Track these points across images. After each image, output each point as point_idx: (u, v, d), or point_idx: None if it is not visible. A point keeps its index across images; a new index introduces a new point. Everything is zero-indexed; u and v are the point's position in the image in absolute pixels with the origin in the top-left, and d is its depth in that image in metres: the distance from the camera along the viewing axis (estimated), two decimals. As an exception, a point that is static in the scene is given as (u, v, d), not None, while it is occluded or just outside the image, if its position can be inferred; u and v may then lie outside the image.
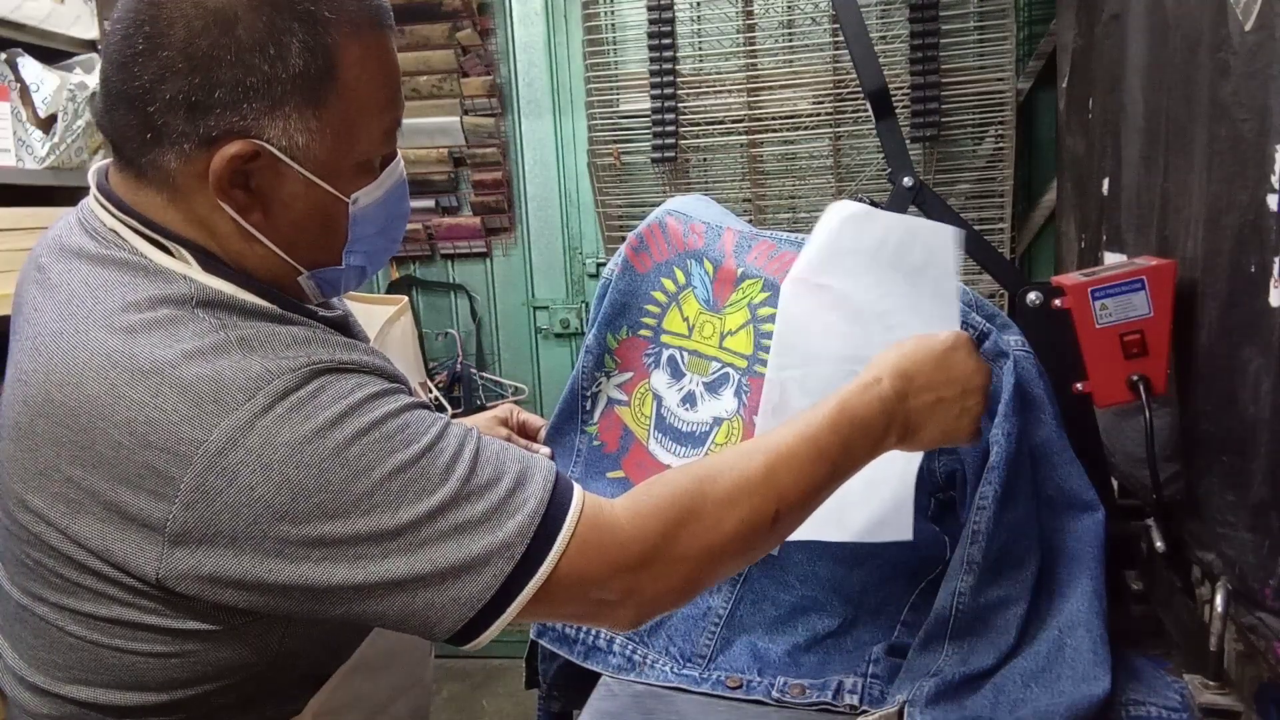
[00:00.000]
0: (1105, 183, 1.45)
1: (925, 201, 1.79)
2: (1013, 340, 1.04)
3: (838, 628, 1.06)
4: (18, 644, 0.74)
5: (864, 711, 0.95)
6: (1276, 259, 0.82)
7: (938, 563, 1.05)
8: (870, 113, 1.78)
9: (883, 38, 2.24)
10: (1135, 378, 1.00)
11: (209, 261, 0.71)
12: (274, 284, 0.74)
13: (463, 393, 2.69)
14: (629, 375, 1.21)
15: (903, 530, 0.99)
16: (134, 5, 0.67)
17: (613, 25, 2.41)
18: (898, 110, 1.90)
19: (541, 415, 1.25)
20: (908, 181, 1.76)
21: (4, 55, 1.77)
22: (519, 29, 2.54)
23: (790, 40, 2.33)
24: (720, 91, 2.37)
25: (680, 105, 2.37)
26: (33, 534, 0.68)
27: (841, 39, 2.20)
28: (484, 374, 2.72)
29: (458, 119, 2.55)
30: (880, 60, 1.84)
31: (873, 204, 1.78)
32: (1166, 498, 1.03)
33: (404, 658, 0.91)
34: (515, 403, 1.62)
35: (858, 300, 1.00)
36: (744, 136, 2.37)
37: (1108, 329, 1.00)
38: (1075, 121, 1.79)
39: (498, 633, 0.69)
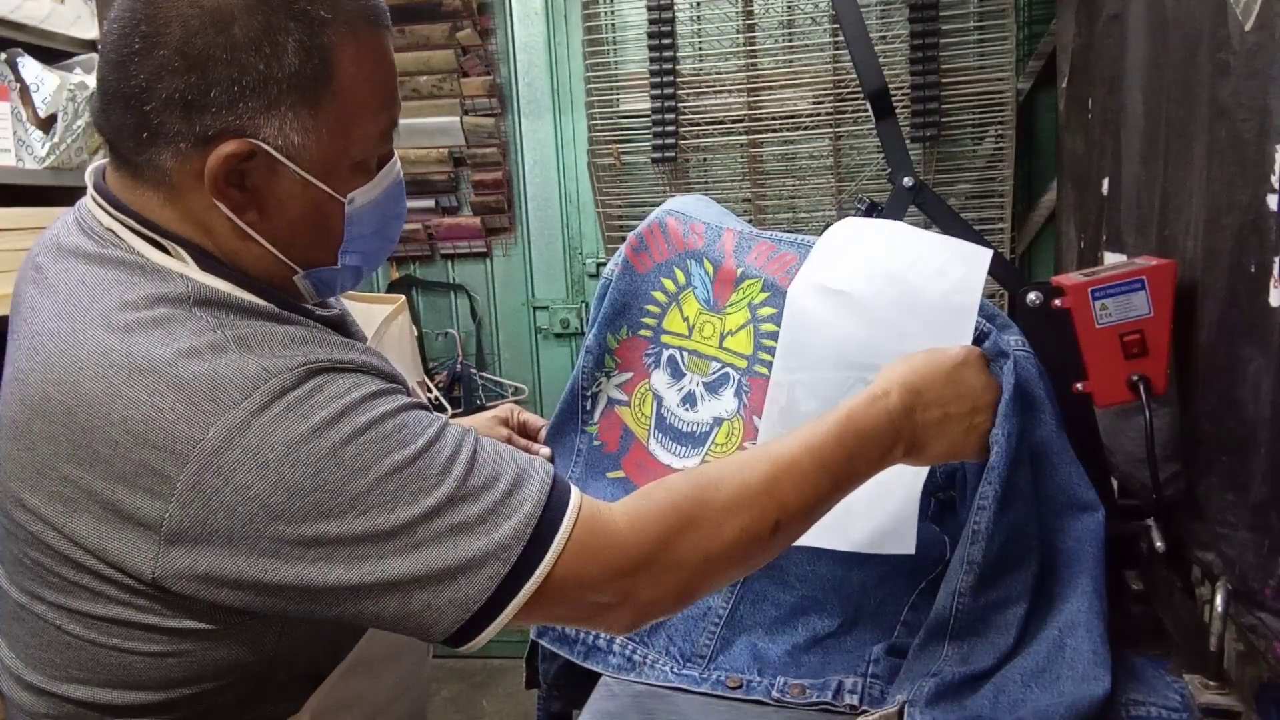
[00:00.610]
0: (1105, 183, 1.45)
1: (925, 201, 1.80)
2: (1013, 340, 1.03)
3: (838, 628, 1.06)
4: (15, 643, 0.74)
5: (864, 711, 0.94)
6: (1276, 259, 0.82)
7: (938, 563, 1.04)
8: (870, 113, 1.78)
9: (883, 38, 2.24)
10: (1135, 378, 1.00)
11: (206, 260, 0.71)
12: (270, 283, 0.74)
13: (463, 393, 2.69)
14: (629, 375, 1.21)
15: (905, 544, 0.98)
16: (131, 4, 0.67)
17: (613, 25, 2.41)
18: (898, 110, 1.90)
19: (541, 415, 1.25)
20: (908, 181, 1.76)
21: (4, 55, 1.77)
22: (519, 29, 2.54)
23: (790, 40, 2.33)
24: (720, 91, 2.37)
25: (680, 105, 2.37)
26: (30, 533, 0.68)
27: (841, 39, 2.20)
28: (484, 374, 2.72)
29: (458, 119, 2.55)
30: (880, 60, 1.85)
31: (873, 204, 1.78)
32: (1166, 498, 1.03)
33: (402, 657, 0.91)
34: (515, 403, 1.62)
35: (872, 307, 1.00)
36: (744, 136, 2.37)
37: (1108, 329, 1.00)
38: (1075, 121, 1.79)
39: (494, 634, 0.69)
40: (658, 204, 1.27)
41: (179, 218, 0.71)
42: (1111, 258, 1.37)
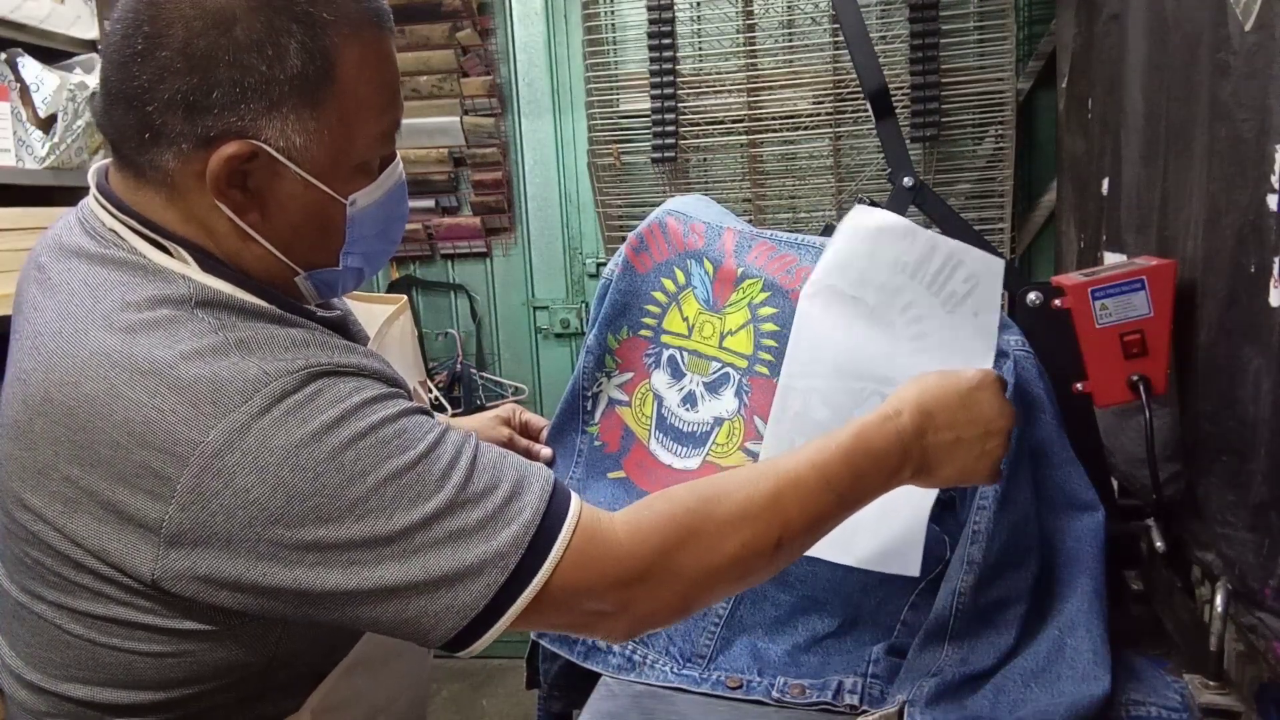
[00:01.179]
0: (1105, 183, 1.45)
1: (925, 201, 1.80)
2: (1013, 340, 1.03)
3: (838, 628, 1.06)
4: (16, 642, 0.74)
5: (864, 711, 0.95)
6: (1276, 259, 0.82)
7: (938, 563, 1.04)
8: (870, 113, 1.78)
9: (883, 38, 2.24)
10: (1135, 378, 1.00)
11: (208, 261, 0.71)
12: (272, 284, 0.74)
13: (463, 393, 2.69)
14: (629, 375, 1.21)
15: (910, 565, 0.98)
16: (134, 5, 0.67)
17: (613, 25, 2.41)
18: (898, 110, 1.90)
19: (542, 415, 1.25)
20: (908, 181, 1.76)
21: (4, 55, 1.77)
22: (519, 29, 2.54)
23: (790, 40, 2.33)
24: (720, 91, 2.37)
25: (680, 105, 2.37)
26: (31, 532, 0.68)
27: (841, 39, 2.20)
28: (484, 374, 2.72)
29: (458, 119, 2.55)
30: (880, 60, 1.85)
31: (873, 204, 1.78)
32: (1166, 498, 1.03)
33: (402, 656, 0.91)
34: (516, 403, 1.62)
35: (892, 319, 0.99)
36: (744, 136, 2.37)
37: (1108, 329, 1.00)
38: (1075, 121, 1.79)
39: (491, 641, 0.68)
40: (658, 204, 1.27)
41: (181, 218, 0.71)
42: (1111, 258, 1.37)
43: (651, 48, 2.35)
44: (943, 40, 2.20)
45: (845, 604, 1.06)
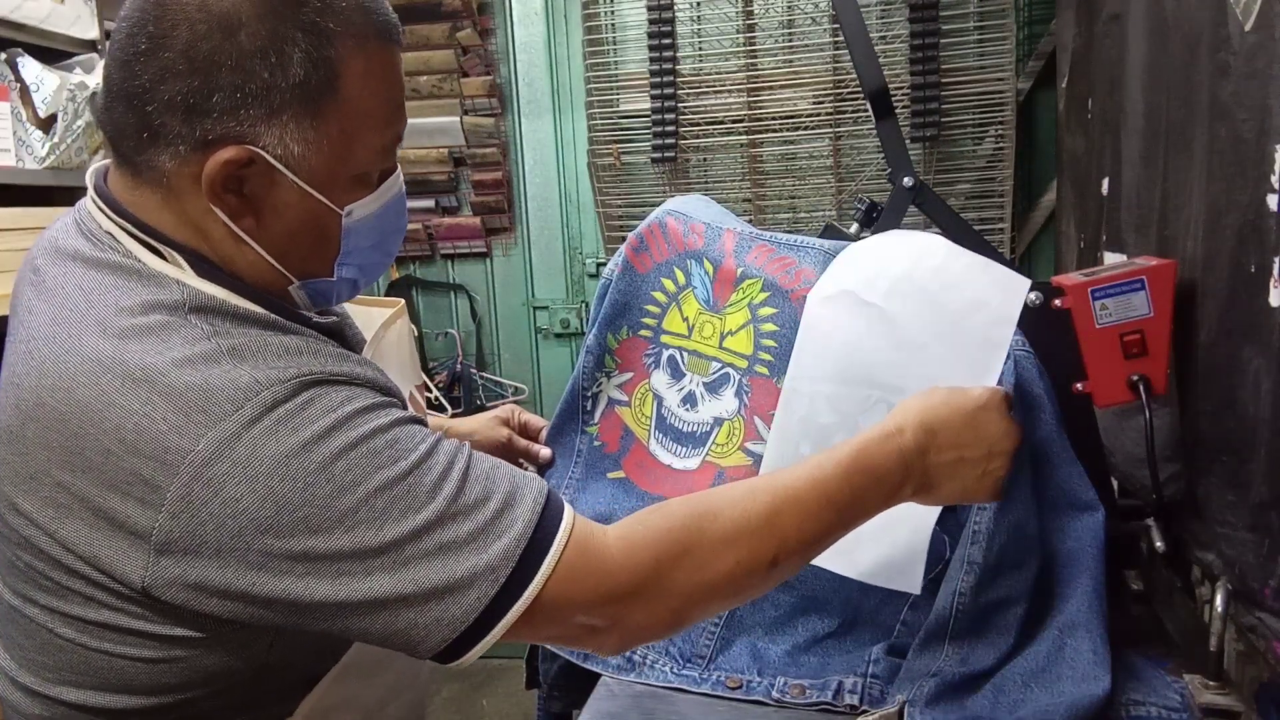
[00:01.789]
0: (1105, 183, 1.45)
1: (925, 201, 1.80)
2: (1013, 340, 1.03)
3: (838, 628, 1.06)
4: (9, 644, 0.74)
5: (864, 711, 0.95)
6: (1276, 259, 0.82)
7: (938, 562, 1.04)
8: (870, 113, 1.78)
9: (883, 38, 2.24)
10: (1135, 378, 1.00)
11: (202, 265, 0.71)
12: (266, 290, 0.74)
13: (462, 393, 2.69)
14: (629, 375, 1.21)
15: (912, 582, 0.97)
16: (140, 4, 0.67)
17: (613, 25, 2.41)
18: (898, 110, 1.90)
19: (541, 415, 1.25)
20: (908, 181, 1.76)
21: (4, 55, 1.77)
22: (519, 29, 2.54)
23: (790, 40, 2.33)
24: (720, 91, 2.37)
25: (680, 105, 2.37)
26: (23, 537, 0.68)
27: (841, 39, 2.20)
28: (484, 374, 2.72)
29: (458, 119, 2.55)
30: (880, 60, 1.85)
31: (873, 204, 1.78)
32: (1166, 498, 1.03)
33: (396, 660, 0.91)
34: (515, 403, 1.62)
35: (905, 328, 0.98)
36: (744, 136, 2.37)
37: (1108, 329, 1.00)
38: (1075, 121, 1.79)
39: (482, 653, 0.68)
40: (658, 204, 1.27)
41: (176, 221, 0.71)
42: (1111, 258, 1.37)
43: (651, 48, 2.35)
44: (943, 40, 2.20)
45: (845, 604, 1.06)
